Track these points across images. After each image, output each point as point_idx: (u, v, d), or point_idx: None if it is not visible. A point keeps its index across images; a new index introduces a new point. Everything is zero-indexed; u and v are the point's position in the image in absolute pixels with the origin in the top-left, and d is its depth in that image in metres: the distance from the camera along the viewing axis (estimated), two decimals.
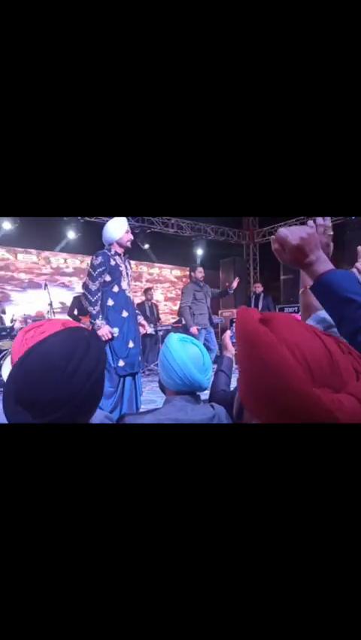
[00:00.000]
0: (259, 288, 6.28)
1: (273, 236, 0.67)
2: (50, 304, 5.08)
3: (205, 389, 0.92)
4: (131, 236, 2.41)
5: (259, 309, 5.34)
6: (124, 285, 2.36)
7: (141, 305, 5.70)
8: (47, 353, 0.55)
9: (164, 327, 5.90)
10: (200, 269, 4.46)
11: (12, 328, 4.43)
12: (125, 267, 2.39)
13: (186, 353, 0.88)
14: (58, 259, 7.18)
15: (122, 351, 2.31)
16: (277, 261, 0.71)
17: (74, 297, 5.19)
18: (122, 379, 2.34)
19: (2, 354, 3.95)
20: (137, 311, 2.51)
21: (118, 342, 2.29)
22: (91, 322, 2.25)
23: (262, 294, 6.19)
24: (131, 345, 2.35)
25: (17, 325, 4.60)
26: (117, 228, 2.34)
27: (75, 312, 5.02)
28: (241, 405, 0.45)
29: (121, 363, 2.30)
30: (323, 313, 0.74)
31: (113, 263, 2.31)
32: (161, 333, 5.73)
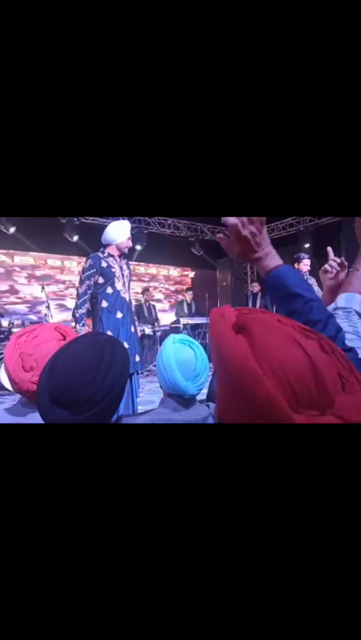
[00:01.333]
0: (256, 287, 6.30)
1: (224, 219, 0.65)
2: (48, 307, 5.07)
3: (192, 396, 0.89)
4: (130, 244, 2.45)
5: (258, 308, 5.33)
6: (118, 286, 2.38)
7: (138, 306, 5.69)
8: (76, 357, 0.61)
9: (162, 328, 5.90)
10: (306, 260, 3.51)
11: (9, 331, 4.42)
12: (120, 268, 2.41)
13: (176, 357, 0.86)
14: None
15: None
16: None
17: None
18: None
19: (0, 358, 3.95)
20: (134, 315, 2.53)
21: None
22: (74, 326, 2.27)
23: (259, 293, 6.19)
24: (125, 346, 2.36)
25: (15, 328, 4.58)
26: (120, 232, 2.37)
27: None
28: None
29: None
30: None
31: (104, 264, 2.33)
32: (159, 333, 5.73)
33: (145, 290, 6.23)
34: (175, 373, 0.84)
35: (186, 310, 6.11)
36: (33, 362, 0.76)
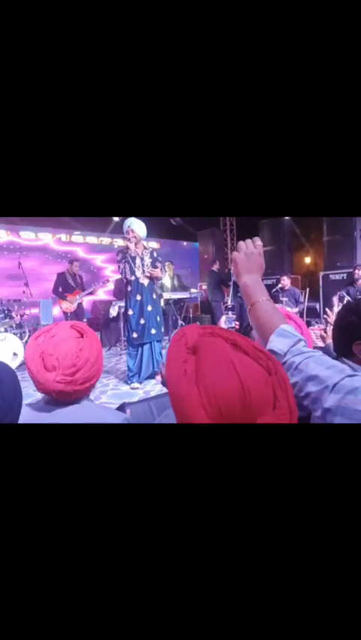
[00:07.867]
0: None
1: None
2: (26, 284, 4.89)
3: None
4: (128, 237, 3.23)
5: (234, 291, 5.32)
6: (138, 273, 3.22)
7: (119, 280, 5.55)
8: None
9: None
10: None
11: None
12: (141, 257, 3.21)
13: None
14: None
15: (135, 325, 3.26)
16: (256, 231, 0.70)
17: (58, 275, 4.97)
18: (140, 347, 3.31)
19: None
20: (160, 293, 3.29)
21: (133, 318, 3.27)
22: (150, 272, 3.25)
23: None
24: (142, 321, 3.27)
25: (14, 315, 4.43)
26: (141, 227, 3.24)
27: (60, 289, 4.84)
28: None
29: (134, 335, 3.27)
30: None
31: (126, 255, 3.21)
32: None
33: None
34: None
35: (169, 285, 6.05)
36: (55, 361, 0.77)
